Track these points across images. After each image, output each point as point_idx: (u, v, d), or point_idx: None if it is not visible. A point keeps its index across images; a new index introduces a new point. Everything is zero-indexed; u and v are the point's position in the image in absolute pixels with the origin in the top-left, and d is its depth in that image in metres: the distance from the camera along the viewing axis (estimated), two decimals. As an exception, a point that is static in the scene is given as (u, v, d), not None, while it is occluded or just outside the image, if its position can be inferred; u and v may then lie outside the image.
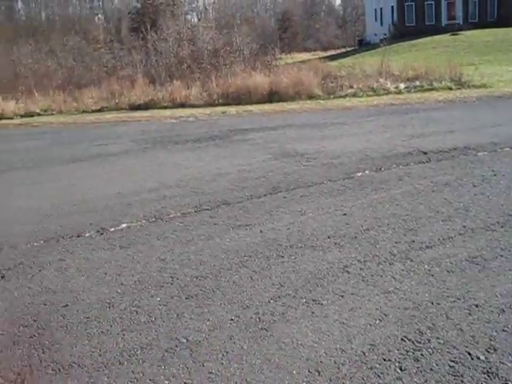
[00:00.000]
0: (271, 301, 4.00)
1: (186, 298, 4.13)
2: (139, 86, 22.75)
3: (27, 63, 30.05)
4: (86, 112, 21.30)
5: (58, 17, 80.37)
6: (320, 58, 37.92)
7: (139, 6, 65.47)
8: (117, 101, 21.87)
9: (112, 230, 5.85)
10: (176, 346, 3.47)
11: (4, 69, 28.52)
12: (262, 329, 3.62)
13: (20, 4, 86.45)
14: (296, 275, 4.40)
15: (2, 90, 24.66)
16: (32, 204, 7.30)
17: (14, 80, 27.02)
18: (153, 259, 4.92)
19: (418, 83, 20.30)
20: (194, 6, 77.07)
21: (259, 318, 3.75)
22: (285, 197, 6.69)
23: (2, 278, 4.79)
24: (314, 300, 3.97)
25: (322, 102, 18.86)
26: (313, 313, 3.79)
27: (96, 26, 74.04)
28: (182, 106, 20.01)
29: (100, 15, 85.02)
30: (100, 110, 21.31)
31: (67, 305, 4.17)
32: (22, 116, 21.80)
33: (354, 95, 19.64)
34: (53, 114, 21.70)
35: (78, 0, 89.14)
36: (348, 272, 4.40)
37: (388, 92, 19.68)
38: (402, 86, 20.12)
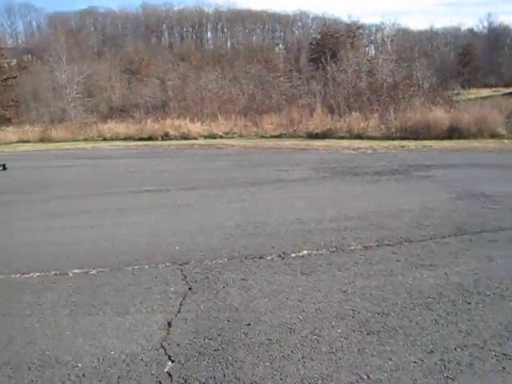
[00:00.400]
0: (457, 349, 3.79)
1: (368, 334, 4.04)
2: (317, 115, 23.16)
3: (213, 88, 31.79)
4: (264, 137, 22.08)
5: (242, 46, 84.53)
6: (503, 95, 36.00)
7: (319, 37, 66.90)
8: (295, 128, 22.44)
9: (293, 255, 5.93)
10: (357, 382, 3.40)
11: (192, 93, 30.55)
12: (447, 377, 3.43)
13: (209, 34, 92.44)
14: (484, 325, 4.13)
15: (189, 112, 26.42)
16: (218, 222, 7.66)
17: (201, 103, 28.79)
18: (334, 289, 4.90)
19: None
20: (372, 38, 77.19)
21: (444, 366, 3.57)
22: (471, 240, 6.36)
23: (190, 289, 5.04)
24: (504, 354, 3.69)
25: (506, 141, 17.86)
26: (503, 368, 3.52)
27: (276, 55, 76.76)
28: (359, 137, 20.03)
29: (280, 45, 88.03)
30: (278, 136, 21.99)
31: (250, 324, 4.27)
32: (205, 137, 23.14)
33: (543, 136, 18.40)
34: (233, 137, 22.76)
35: (261, 30, 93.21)
36: (544, 327, 4.05)
37: None
38: None
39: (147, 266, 5.73)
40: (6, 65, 46.72)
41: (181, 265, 5.73)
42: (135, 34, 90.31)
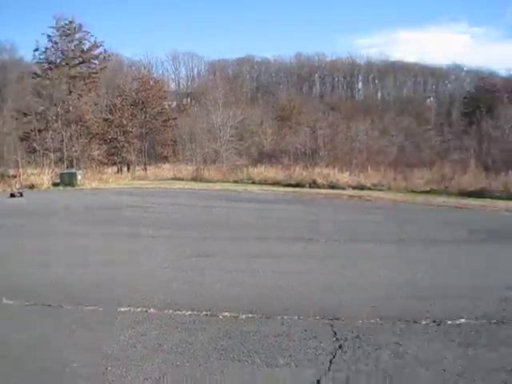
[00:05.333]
0: None
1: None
2: (470, 173, 22.26)
3: (362, 139, 31.79)
4: (414, 192, 21.55)
5: (393, 98, 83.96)
6: None
7: (474, 91, 64.90)
8: (446, 185, 21.68)
9: (449, 322, 5.61)
10: None
11: (342, 143, 30.73)
12: None
13: (360, 85, 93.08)
14: None
15: (338, 161, 26.56)
16: (367, 278, 7.53)
17: (350, 153, 28.86)
18: (497, 367, 4.49)
19: None
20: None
21: None
22: None
23: (340, 347, 4.91)
24: None
25: None
26: None
27: (427, 108, 75.39)
28: (517, 198, 18.92)
29: (432, 98, 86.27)
30: (429, 192, 21.35)
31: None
32: (353, 188, 23.02)
33: None
34: (382, 190, 22.42)
35: (412, 83, 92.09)
36: None
37: None
38: None
39: (296, 317, 5.71)
40: (167, 106, 49.79)
41: (331, 320, 5.62)
42: (288, 82, 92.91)
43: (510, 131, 29.97)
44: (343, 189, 22.71)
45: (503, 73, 73.63)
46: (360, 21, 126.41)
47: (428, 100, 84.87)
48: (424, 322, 5.63)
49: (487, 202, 18.17)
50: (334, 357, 4.68)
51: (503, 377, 4.34)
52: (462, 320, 5.69)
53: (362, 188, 22.64)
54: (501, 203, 17.71)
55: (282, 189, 23.86)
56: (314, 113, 50.25)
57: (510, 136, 28.68)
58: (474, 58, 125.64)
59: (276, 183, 26.43)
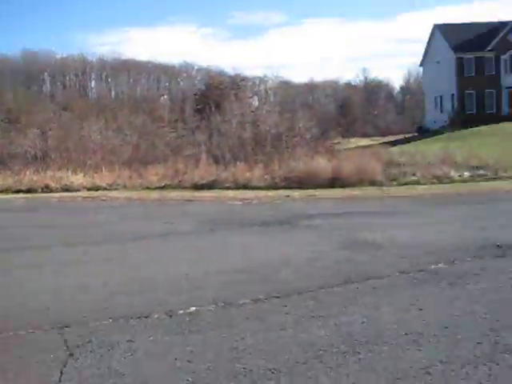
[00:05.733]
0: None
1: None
2: (203, 166, 23.18)
3: (96, 139, 31.16)
4: (149, 188, 21.72)
5: (127, 96, 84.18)
6: (380, 144, 38.11)
7: (204, 88, 68.17)
8: (180, 179, 22.26)
9: (181, 312, 5.72)
10: None
11: (75, 143, 29.74)
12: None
13: (93, 83, 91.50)
14: (375, 374, 4.13)
15: (71, 163, 25.64)
16: (98, 280, 7.29)
17: (83, 154, 28.05)
18: (224, 347, 4.73)
19: (482, 172, 20.11)
20: (256, 90, 79.44)
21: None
22: (357, 288, 6.47)
23: (71, 355, 4.70)
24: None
25: (384, 188, 18.69)
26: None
27: (161, 105, 77.13)
28: (245, 187, 20.16)
29: (165, 96, 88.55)
30: (163, 188, 21.69)
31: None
32: (88, 189, 22.39)
33: (417, 183, 19.41)
34: (117, 189, 22.20)
35: (146, 81, 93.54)
36: (429, 373, 4.10)
37: (452, 180, 19.46)
38: (466, 174, 19.96)
39: (23, 332, 5.30)
40: None
41: (61, 328, 5.34)
42: (15, 81, 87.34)
43: (238, 125, 31.83)
44: (78, 191, 21.94)
45: (230, 71, 78.34)
46: (91, 19, 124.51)
47: (162, 98, 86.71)
48: (156, 316, 5.64)
49: (218, 193, 19.12)
50: (64, 366, 4.45)
51: (226, 354, 4.59)
52: (193, 308, 5.84)
53: (98, 189, 22.13)
54: (230, 193, 18.77)
55: (11, 196, 22.28)
56: (44, 113, 48.06)
57: (237, 130, 30.45)
58: (204, 57, 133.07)
59: (5, 190, 24.53)
